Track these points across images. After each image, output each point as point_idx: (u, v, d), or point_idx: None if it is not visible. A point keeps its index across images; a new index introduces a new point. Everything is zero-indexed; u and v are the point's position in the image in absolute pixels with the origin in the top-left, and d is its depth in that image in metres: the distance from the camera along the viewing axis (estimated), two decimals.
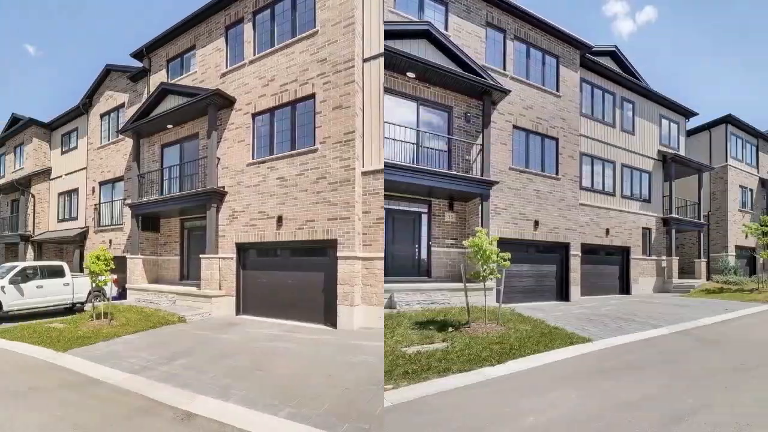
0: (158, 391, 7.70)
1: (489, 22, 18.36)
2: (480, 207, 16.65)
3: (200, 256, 17.25)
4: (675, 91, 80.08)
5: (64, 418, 6.56)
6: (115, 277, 16.02)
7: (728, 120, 30.28)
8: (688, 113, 28.21)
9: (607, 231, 22.74)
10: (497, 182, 17.29)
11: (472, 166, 17.33)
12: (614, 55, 25.27)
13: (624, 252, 23.97)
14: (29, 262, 22.62)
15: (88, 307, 17.17)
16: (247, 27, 17.43)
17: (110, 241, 23.04)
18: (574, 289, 19.99)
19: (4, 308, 15.56)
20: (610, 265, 23.54)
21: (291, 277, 15.43)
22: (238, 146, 17.13)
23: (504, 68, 18.68)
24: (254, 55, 17.09)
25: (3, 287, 15.66)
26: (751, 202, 32.44)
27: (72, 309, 17.80)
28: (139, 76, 22.07)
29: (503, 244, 12.44)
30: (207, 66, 18.75)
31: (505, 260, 11.44)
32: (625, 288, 23.79)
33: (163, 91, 19.01)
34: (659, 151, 26.03)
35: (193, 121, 19.14)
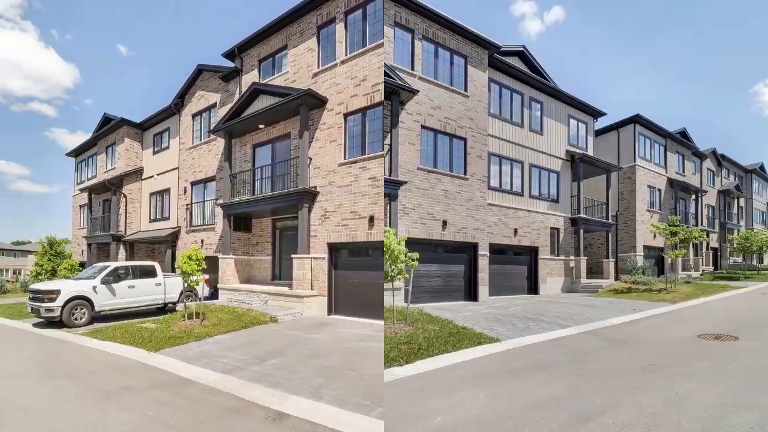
0: (250, 391, 7.64)
1: (397, 22, 17.84)
2: (388, 207, 16.40)
3: (292, 256, 17.14)
4: (583, 91, 79.20)
5: (155, 418, 6.49)
6: (206, 277, 16.06)
7: (636, 120, 30.66)
8: (596, 113, 28.07)
9: (516, 231, 22.64)
10: (405, 182, 17.13)
11: None
12: (522, 55, 25.10)
13: (532, 252, 23.84)
14: (121, 262, 22.97)
15: (179, 307, 17.24)
16: (339, 27, 17.25)
17: (202, 241, 23.29)
18: (483, 289, 19.87)
19: (96, 308, 15.67)
20: (519, 265, 23.41)
21: (383, 276, 15.05)
22: (329, 146, 16.95)
23: (412, 68, 18.27)
24: (346, 54, 16.92)
25: (95, 287, 15.78)
26: (659, 202, 32.98)
27: (164, 309, 17.89)
28: (230, 76, 22.20)
29: (411, 244, 12.79)
30: (299, 66, 18.68)
31: (413, 260, 11.63)
32: (533, 288, 23.67)
33: (255, 91, 19.02)
34: (567, 151, 25.86)
35: (284, 121, 19.10)
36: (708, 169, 41.80)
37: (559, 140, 25.51)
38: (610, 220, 27.44)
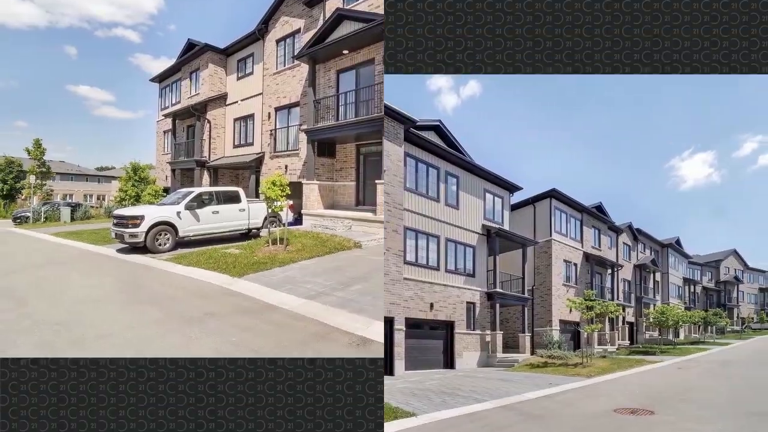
0: (334, 316, 7.68)
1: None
2: None
3: (376, 181, 17.11)
4: (499, 165, 75.49)
5: (239, 344, 6.50)
6: (290, 202, 16.07)
7: (552, 194, 29.68)
8: (512, 188, 27.11)
9: (432, 305, 21.62)
10: None
11: None
12: (438, 129, 23.57)
13: (448, 326, 22.80)
14: (205, 187, 23.06)
15: (264, 232, 17.33)
16: None
17: (286, 167, 23.34)
18: (399, 363, 18.96)
19: (180, 234, 15.58)
20: (435, 339, 22.56)
21: None
22: None
23: None
24: None
25: (179, 213, 15.65)
26: (575, 276, 31.56)
27: (248, 235, 17.92)
28: (314, 1, 21.71)
29: None
30: None
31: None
32: (449, 362, 22.68)
33: (339, 17, 18.59)
34: (483, 225, 24.83)
35: (369, 46, 18.67)
36: (624, 243, 41.47)
37: (475, 214, 24.72)
38: (526, 295, 26.83)
